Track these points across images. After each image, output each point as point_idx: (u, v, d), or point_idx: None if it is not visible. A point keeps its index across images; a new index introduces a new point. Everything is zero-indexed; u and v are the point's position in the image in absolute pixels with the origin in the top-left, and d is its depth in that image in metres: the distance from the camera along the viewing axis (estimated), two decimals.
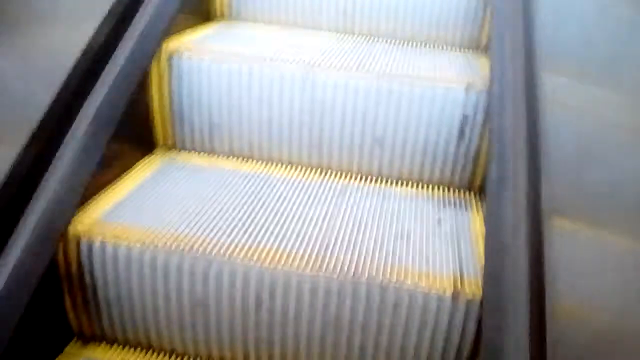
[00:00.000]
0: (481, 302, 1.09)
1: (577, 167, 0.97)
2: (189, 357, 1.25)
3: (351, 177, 1.52)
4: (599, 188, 0.91)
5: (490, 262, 1.09)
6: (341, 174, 1.53)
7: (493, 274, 1.06)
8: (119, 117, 1.34)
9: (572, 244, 0.92)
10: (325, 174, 1.52)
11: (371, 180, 1.51)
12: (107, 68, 1.33)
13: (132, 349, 1.25)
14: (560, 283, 0.87)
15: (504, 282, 0.99)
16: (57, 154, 1.18)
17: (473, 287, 1.12)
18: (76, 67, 1.25)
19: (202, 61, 1.50)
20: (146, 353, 1.25)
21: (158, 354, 1.25)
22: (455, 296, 1.10)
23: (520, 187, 1.05)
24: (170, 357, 1.25)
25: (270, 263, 1.14)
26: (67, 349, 1.23)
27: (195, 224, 1.24)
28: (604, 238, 0.89)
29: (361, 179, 1.52)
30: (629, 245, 0.83)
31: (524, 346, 0.88)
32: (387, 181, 1.51)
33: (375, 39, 1.82)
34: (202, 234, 1.21)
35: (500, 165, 1.18)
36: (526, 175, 1.05)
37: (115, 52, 1.36)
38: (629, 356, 0.73)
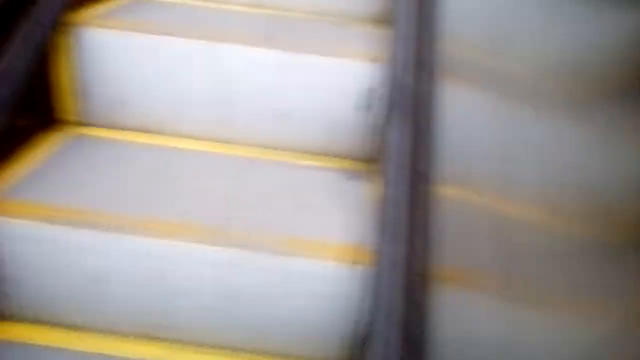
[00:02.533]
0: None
1: (460, 142, 1.03)
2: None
3: (257, 150, 1.54)
4: (480, 160, 0.96)
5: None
6: (247, 148, 1.55)
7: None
8: (20, 91, 1.32)
9: (456, 213, 0.97)
10: (232, 148, 1.54)
11: (278, 154, 1.54)
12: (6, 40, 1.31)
13: (41, 326, 1.25)
14: (443, 249, 0.93)
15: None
16: None
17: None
18: None
19: (109, 34, 1.49)
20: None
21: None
22: (355, 266, 1.15)
23: (406, 160, 1.10)
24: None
25: (173, 237, 1.16)
26: None
27: (99, 200, 1.24)
28: (486, 206, 0.95)
29: (268, 152, 1.54)
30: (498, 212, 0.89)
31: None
32: (293, 154, 1.54)
33: (284, 12, 1.84)
34: (105, 208, 1.21)
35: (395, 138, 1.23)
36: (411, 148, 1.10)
37: (15, 24, 1.34)
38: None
